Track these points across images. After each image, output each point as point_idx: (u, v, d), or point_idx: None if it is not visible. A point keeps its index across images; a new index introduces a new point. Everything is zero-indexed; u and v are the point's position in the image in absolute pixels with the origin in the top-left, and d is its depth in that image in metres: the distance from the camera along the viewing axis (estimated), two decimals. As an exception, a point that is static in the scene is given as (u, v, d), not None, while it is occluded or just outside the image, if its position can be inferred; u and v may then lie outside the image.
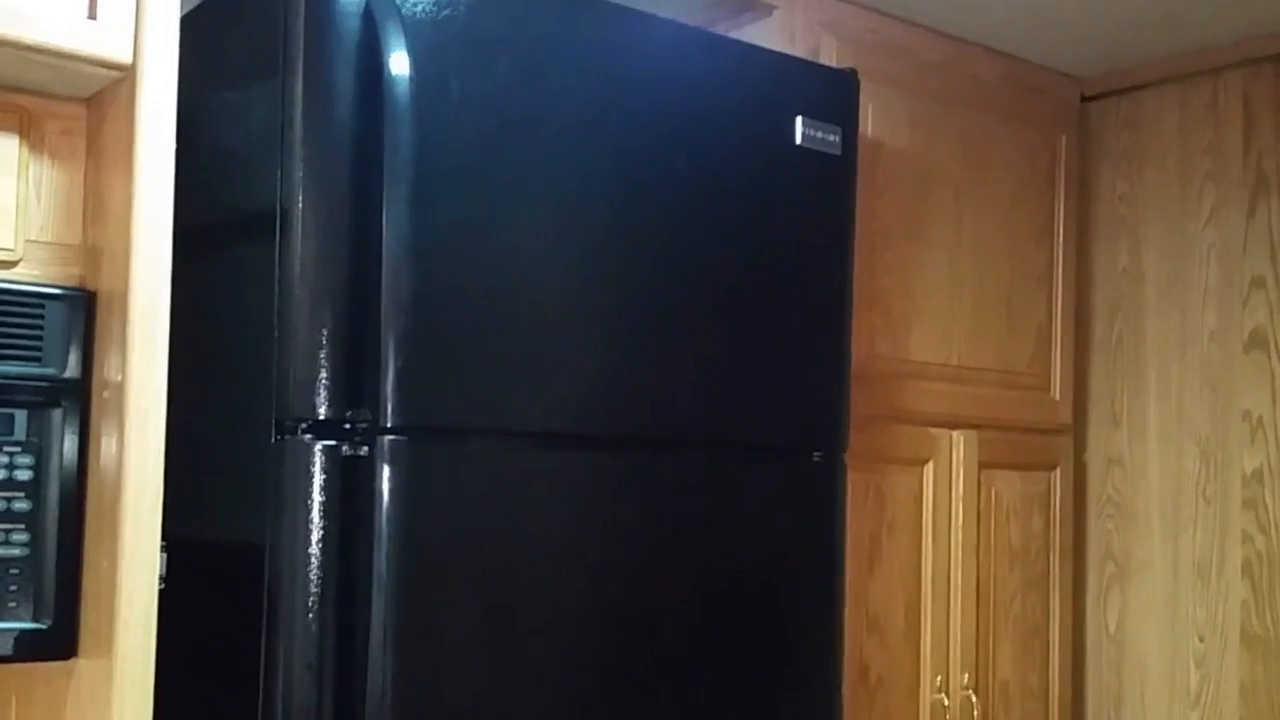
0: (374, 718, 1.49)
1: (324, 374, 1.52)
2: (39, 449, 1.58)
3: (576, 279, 1.71)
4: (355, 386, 1.53)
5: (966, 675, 2.51)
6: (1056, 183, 2.74)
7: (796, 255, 1.94)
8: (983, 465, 2.57)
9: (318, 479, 1.51)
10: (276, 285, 1.55)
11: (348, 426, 1.53)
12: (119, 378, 1.52)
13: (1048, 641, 2.70)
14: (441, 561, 1.57)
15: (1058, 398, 2.74)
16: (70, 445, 1.59)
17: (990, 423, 2.59)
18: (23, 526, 1.57)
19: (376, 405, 1.52)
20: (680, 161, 1.81)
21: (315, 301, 1.53)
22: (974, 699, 2.51)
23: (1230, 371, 2.60)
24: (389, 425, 1.51)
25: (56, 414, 1.59)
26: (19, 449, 1.57)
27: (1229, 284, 2.62)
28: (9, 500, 1.56)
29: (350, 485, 1.53)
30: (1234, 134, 2.63)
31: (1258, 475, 2.55)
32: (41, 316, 1.59)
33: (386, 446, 1.51)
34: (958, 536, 2.51)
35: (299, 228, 1.53)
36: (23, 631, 1.57)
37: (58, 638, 1.59)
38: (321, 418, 1.53)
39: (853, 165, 2.01)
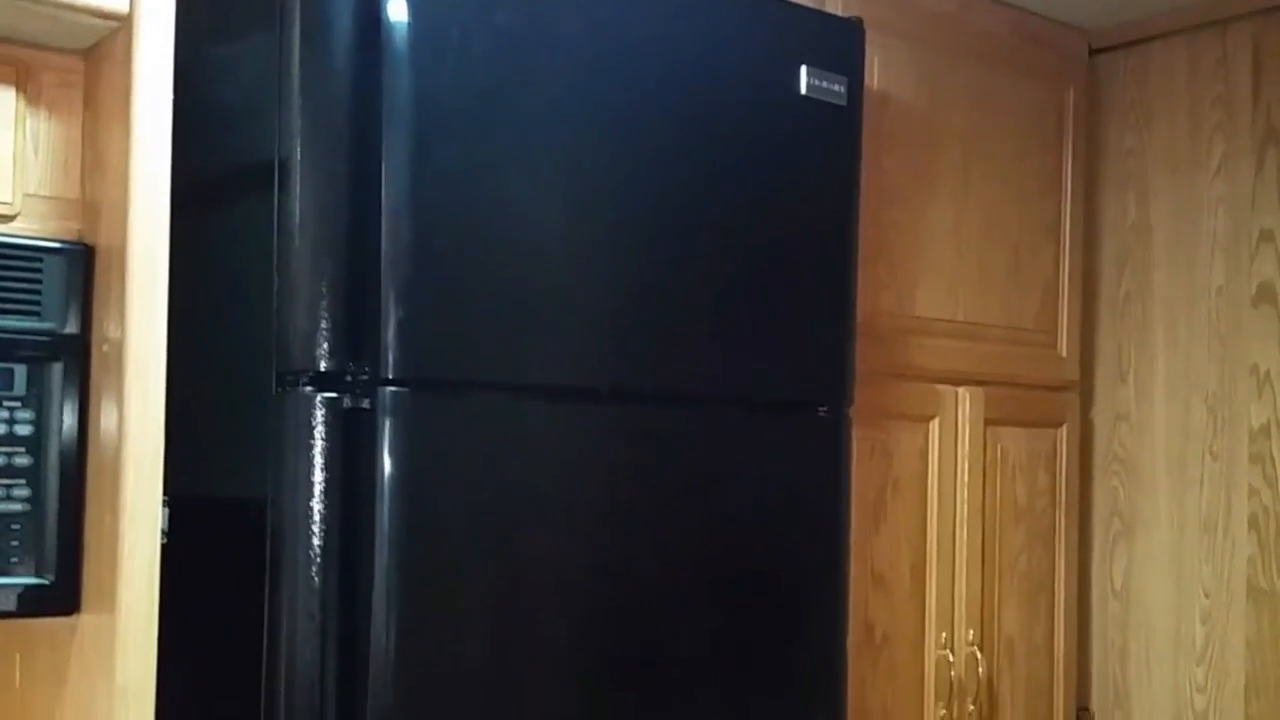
0: (378, 669, 1.49)
1: (325, 325, 1.51)
2: (39, 404, 1.58)
3: (579, 230, 1.69)
4: (357, 338, 1.52)
5: (972, 632, 2.51)
6: (1064, 136, 2.72)
7: (802, 207, 1.93)
8: (989, 422, 2.55)
9: (319, 431, 1.50)
10: (276, 237, 1.53)
11: (349, 379, 1.52)
12: (118, 332, 1.51)
13: (1053, 598, 2.70)
14: (444, 514, 1.56)
15: (1064, 354, 2.72)
16: (70, 400, 1.59)
17: (997, 379, 2.57)
18: (24, 482, 1.57)
19: (377, 357, 1.50)
20: (684, 109, 1.79)
21: (315, 252, 1.52)
22: (979, 655, 2.51)
23: (1238, 326, 2.59)
24: (390, 377, 1.50)
25: (56, 369, 1.58)
26: (19, 404, 1.57)
27: (1237, 238, 2.60)
28: (9, 455, 1.56)
29: (352, 438, 1.51)
30: (1243, 86, 2.60)
31: (1265, 430, 2.54)
32: (40, 271, 1.58)
33: (388, 399, 1.50)
34: (963, 493, 2.50)
35: (298, 178, 1.52)
36: (25, 587, 1.57)
37: (60, 593, 1.59)
38: (322, 370, 1.51)
39: (858, 115, 1.99)
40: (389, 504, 1.50)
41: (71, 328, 1.59)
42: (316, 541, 1.51)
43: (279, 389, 1.53)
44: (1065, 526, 2.71)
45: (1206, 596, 2.62)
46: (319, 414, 1.50)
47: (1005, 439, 2.59)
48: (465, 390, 1.59)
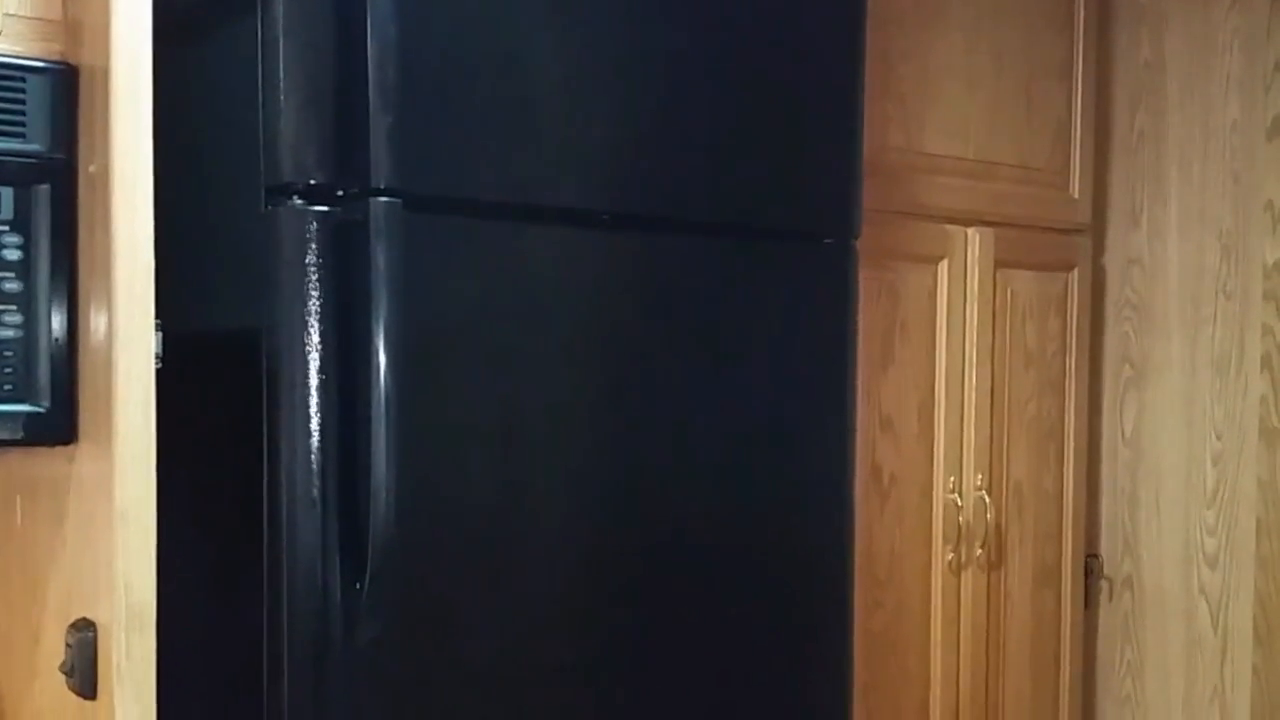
0: (378, 492, 1.47)
1: (314, 135, 1.47)
2: (27, 228, 1.55)
3: (579, 49, 1.65)
4: (346, 151, 1.48)
5: (980, 476, 2.50)
6: (1077, -31, 2.65)
7: (808, 30, 1.87)
8: (999, 264, 2.51)
9: (312, 247, 1.47)
10: (260, 47, 1.49)
11: (340, 193, 1.49)
12: (104, 153, 1.48)
13: (1063, 444, 2.68)
14: (440, 334, 1.54)
15: (1076, 196, 2.67)
16: (59, 224, 1.56)
17: (1007, 220, 2.53)
18: (15, 308, 1.55)
19: (368, 169, 1.47)
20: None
21: (302, 60, 1.47)
22: (987, 500, 2.50)
23: (1252, 161, 2.54)
24: (381, 187, 1.46)
25: (43, 191, 1.55)
26: (6, 228, 1.54)
27: (1251, 71, 2.54)
28: (-1, 281, 1.53)
29: (344, 254, 1.48)
30: (1261, -86, 2.53)
31: (1280, 266, 2.51)
32: (24, 91, 1.55)
33: (380, 210, 1.45)
34: (972, 336, 2.47)
35: (282, -15, 1.48)
36: (21, 414, 1.55)
37: (56, 420, 1.57)
38: (313, 183, 1.48)
39: (864, -66, 1.93)
40: (384, 322, 1.46)
41: (57, 149, 1.55)
42: (313, 362, 1.49)
43: (269, 206, 1.50)
44: (1075, 372, 2.68)
45: (1218, 438, 2.60)
46: (311, 228, 1.47)
47: (1015, 282, 2.56)
48: (460, 208, 1.56)
